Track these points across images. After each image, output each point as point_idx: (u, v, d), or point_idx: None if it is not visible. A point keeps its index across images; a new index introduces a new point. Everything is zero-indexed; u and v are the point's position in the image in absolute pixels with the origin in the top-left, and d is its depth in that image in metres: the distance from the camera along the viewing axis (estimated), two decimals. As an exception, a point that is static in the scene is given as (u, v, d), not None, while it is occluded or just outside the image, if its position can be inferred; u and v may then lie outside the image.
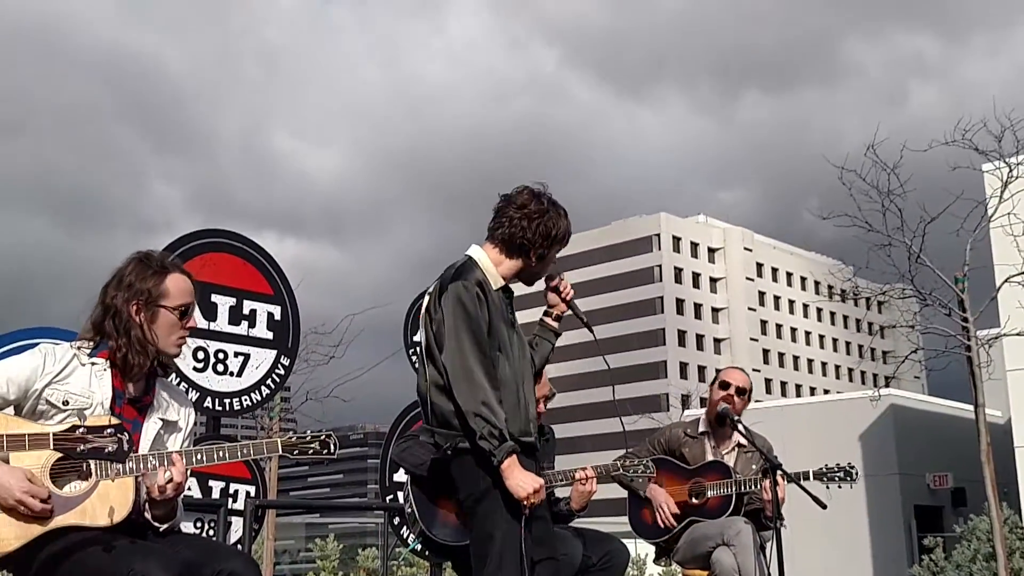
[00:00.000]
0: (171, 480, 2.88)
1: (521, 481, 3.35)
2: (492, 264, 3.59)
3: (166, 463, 2.90)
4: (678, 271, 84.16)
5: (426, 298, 3.58)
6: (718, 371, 5.32)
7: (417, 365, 3.64)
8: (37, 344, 3.07)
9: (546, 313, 3.87)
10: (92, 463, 2.75)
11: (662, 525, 4.99)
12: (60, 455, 2.68)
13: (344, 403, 16.83)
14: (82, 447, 2.46)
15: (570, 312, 3.86)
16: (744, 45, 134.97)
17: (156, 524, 2.99)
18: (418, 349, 3.60)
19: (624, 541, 4.43)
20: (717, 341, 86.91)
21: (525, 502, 3.34)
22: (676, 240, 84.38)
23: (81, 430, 2.47)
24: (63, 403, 2.91)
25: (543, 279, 3.76)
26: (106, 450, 2.47)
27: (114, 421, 2.57)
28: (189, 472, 3.01)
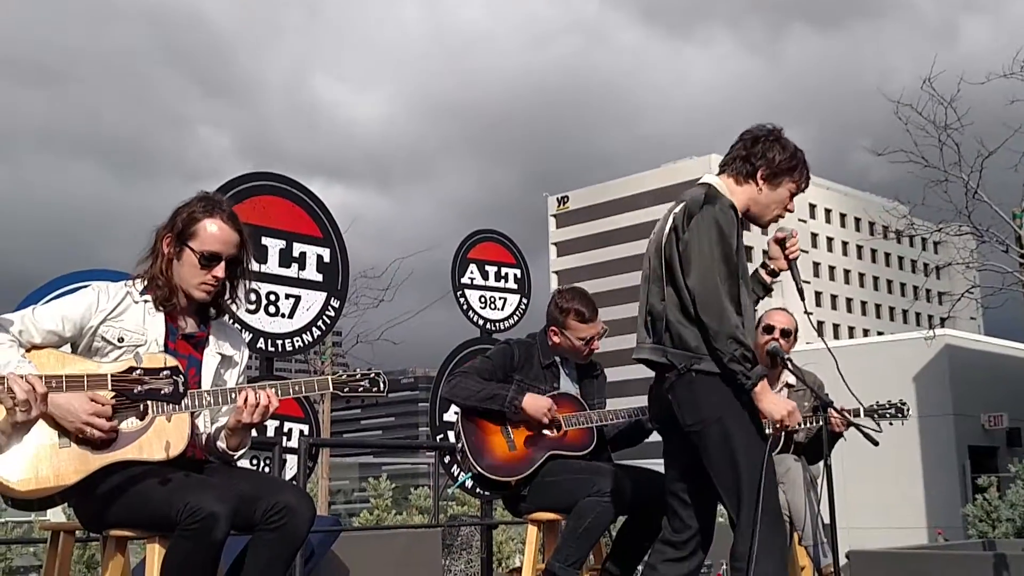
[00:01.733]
0: (256, 403, 2.95)
1: (775, 402, 3.35)
2: (728, 192, 3.54)
3: (253, 392, 2.96)
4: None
5: (670, 219, 3.49)
6: (761, 315, 5.26)
7: (646, 284, 3.55)
8: (90, 285, 3.13)
9: (763, 265, 3.80)
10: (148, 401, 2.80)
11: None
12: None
13: (394, 346, 17.04)
14: (139, 388, 2.50)
15: (787, 270, 3.78)
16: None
17: (230, 453, 3.06)
18: (650, 268, 3.52)
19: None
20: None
21: (779, 423, 3.34)
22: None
23: (138, 372, 2.51)
24: (118, 340, 2.97)
25: (772, 230, 3.68)
26: (162, 391, 2.51)
27: (170, 362, 2.61)
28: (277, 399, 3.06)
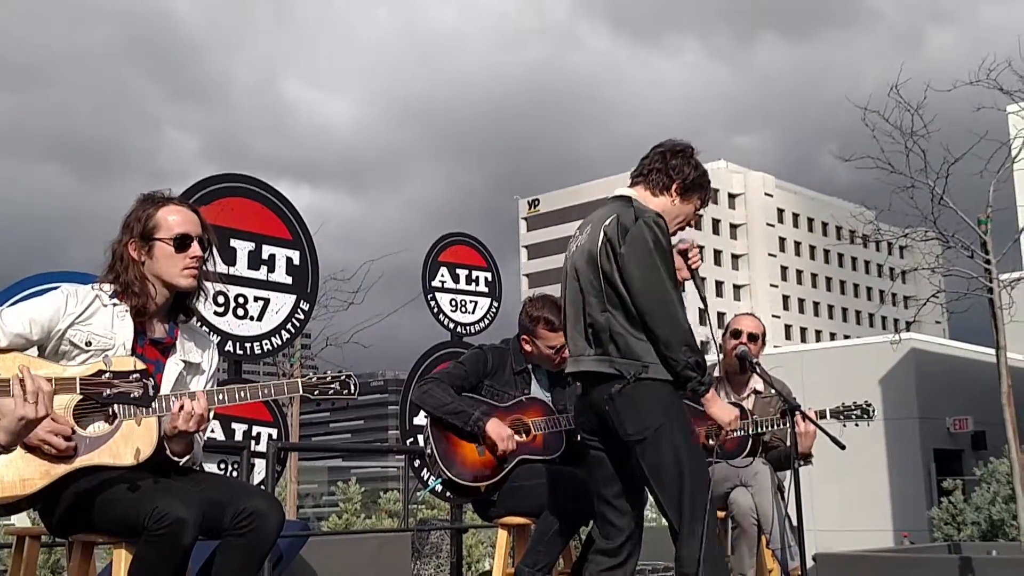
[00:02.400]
0: (191, 413, 2.90)
1: (724, 408, 3.60)
2: (639, 201, 3.64)
3: (186, 399, 2.92)
4: (698, 217, 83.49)
5: (601, 232, 3.54)
6: (728, 321, 5.31)
7: (578, 297, 3.60)
8: (59, 287, 3.10)
9: None
10: (117, 405, 2.78)
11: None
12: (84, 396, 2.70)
13: (364, 349, 16.93)
14: (108, 392, 2.48)
15: (690, 280, 3.84)
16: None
17: (174, 459, 3.02)
18: (583, 281, 3.57)
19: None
20: (737, 288, 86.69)
21: (729, 427, 3.61)
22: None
23: (107, 375, 2.49)
24: (86, 344, 2.94)
25: (678, 250, 3.74)
26: (131, 395, 2.49)
27: (139, 366, 2.58)
28: (212, 413, 3.04)
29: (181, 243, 3.07)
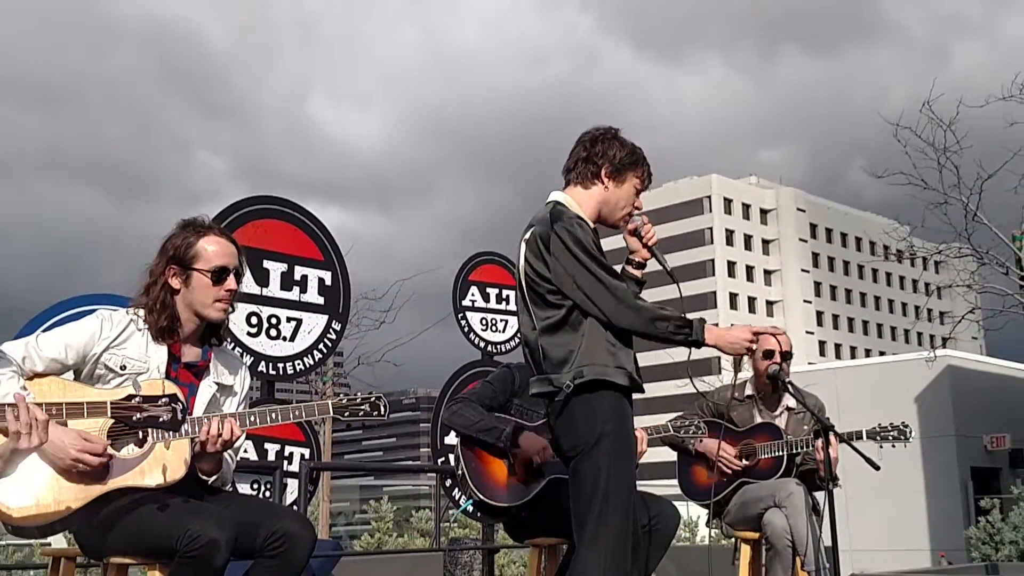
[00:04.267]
0: (219, 434, 2.92)
1: (733, 335, 3.40)
2: (576, 204, 3.51)
3: (216, 422, 2.95)
4: (729, 233, 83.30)
5: (522, 246, 3.47)
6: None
7: (520, 316, 3.55)
8: (94, 311, 3.14)
9: (627, 261, 3.72)
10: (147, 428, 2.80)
11: (729, 471, 4.95)
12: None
13: (395, 367, 17.01)
14: (138, 416, 2.51)
15: (652, 259, 3.68)
16: (781, 4, 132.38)
17: (203, 478, 3.04)
18: (517, 300, 3.53)
19: (674, 503, 4.43)
20: (770, 304, 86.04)
21: (752, 346, 3.40)
22: (727, 202, 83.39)
23: (137, 399, 2.52)
24: (120, 367, 2.98)
25: (624, 223, 3.61)
26: (160, 419, 2.52)
27: (169, 390, 2.61)
28: (244, 434, 3.06)
29: (218, 276, 3.10)
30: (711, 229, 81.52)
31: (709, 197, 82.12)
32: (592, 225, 3.49)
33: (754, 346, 3.42)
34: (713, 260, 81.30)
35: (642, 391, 3.52)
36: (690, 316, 3.38)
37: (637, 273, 3.67)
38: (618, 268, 3.60)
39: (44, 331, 3.04)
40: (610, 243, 3.86)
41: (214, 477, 3.05)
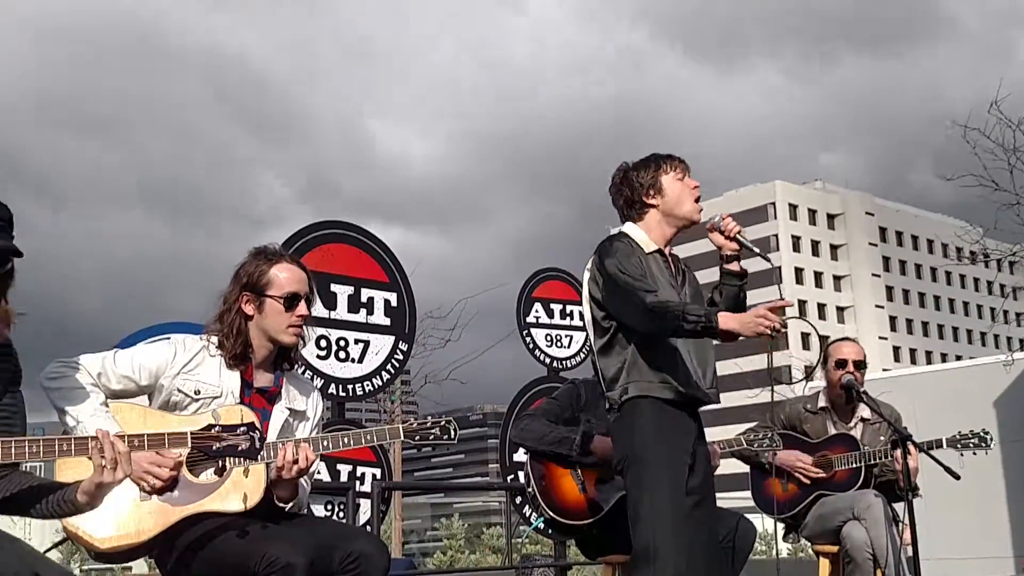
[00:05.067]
0: (294, 461, 2.96)
1: (743, 320, 3.29)
2: (639, 230, 3.62)
3: (291, 448, 2.99)
4: (796, 239, 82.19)
5: (585, 275, 3.62)
6: (827, 347, 5.14)
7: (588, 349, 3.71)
8: (170, 337, 3.22)
9: (720, 260, 3.74)
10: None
11: (807, 479, 4.87)
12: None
13: (462, 385, 17.09)
14: (217, 445, 2.56)
15: (742, 249, 3.66)
16: (833, 5, 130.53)
17: (280, 504, 3.08)
18: (588, 335, 3.65)
19: (747, 516, 4.37)
20: (840, 310, 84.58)
21: (764, 322, 3.24)
22: (792, 208, 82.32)
23: (216, 429, 2.57)
24: (195, 392, 3.04)
25: (705, 227, 3.66)
26: (239, 448, 2.57)
27: (246, 418, 2.66)
28: (318, 457, 3.10)
29: (290, 302, 3.16)
30: (777, 236, 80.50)
31: (773, 203, 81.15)
32: (655, 247, 3.59)
33: (767, 321, 3.26)
34: (780, 267, 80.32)
35: (703, 403, 3.53)
36: (706, 310, 3.38)
37: (734, 267, 3.70)
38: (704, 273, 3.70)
39: (121, 350, 3.12)
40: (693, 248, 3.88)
41: (291, 504, 3.10)
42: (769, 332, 3.28)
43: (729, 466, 5.15)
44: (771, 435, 4.74)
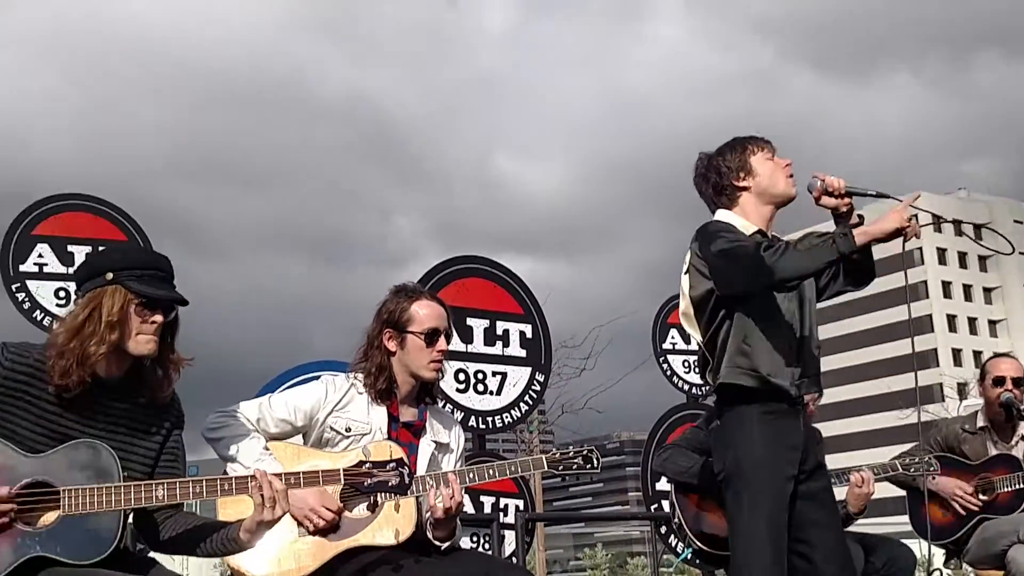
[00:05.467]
0: (452, 498, 3.01)
1: (882, 222, 3.08)
2: (734, 215, 3.41)
3: (441, 483, 3.05)
4: (941, 252, 78.95)
5: (685, 264, 3.43)
6: (984, 363, 4.92)
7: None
8: (319, 376, 3.34)
9: (837, 221, 3.29)
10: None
11: (964, 512, 4.66)
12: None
13: (598, 414, 17.04)
14: (368, 481, 2.63)
15: (856, 196, 3.34)
16: (970, 10, 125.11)
17: (438, 543, 3.13)
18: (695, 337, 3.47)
19: (905, 543, 4.21)
20: (992, 323, 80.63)
21: (905, 220, 3.08)
22: (937, 219, 79.24)
23: (367, 465, 2.64)
24: (346, 430, 3.14)
25: (811, 195, 3.34)
26: (390, 483, 2.63)
27: (396, 454, 2.73)
28: (463, 490, 3.15)
29: (430, 337, 3.23)
30: (921, 249, 77.48)
31: (916, 216, 78.20)
32: (755, 229, 3.37)
33: (906, 220, 3.09)
34: (926, 281, 77.17)
35: (802, 392, 3.29)
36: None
37: (854, 218, 3.32)
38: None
39: (275, 394, 3.26)
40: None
41: (447, 543, 3.15)
42: (910, 229, 3.10)
43: (884, 490, 4.97)
44: (928, 458, 4.56)
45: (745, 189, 3.42)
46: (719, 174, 3.44)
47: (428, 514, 3.08)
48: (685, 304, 3.42)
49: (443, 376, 3.36)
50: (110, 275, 2.57)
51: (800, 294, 3.38)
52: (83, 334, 2.52)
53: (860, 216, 3.32)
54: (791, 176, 3.44)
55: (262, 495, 2.54)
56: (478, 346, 6.02)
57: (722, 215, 3.44)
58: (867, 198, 3.35)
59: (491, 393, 6.04)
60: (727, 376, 3.22)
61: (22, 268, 5.62)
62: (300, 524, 2.95)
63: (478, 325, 6.05)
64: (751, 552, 3.13)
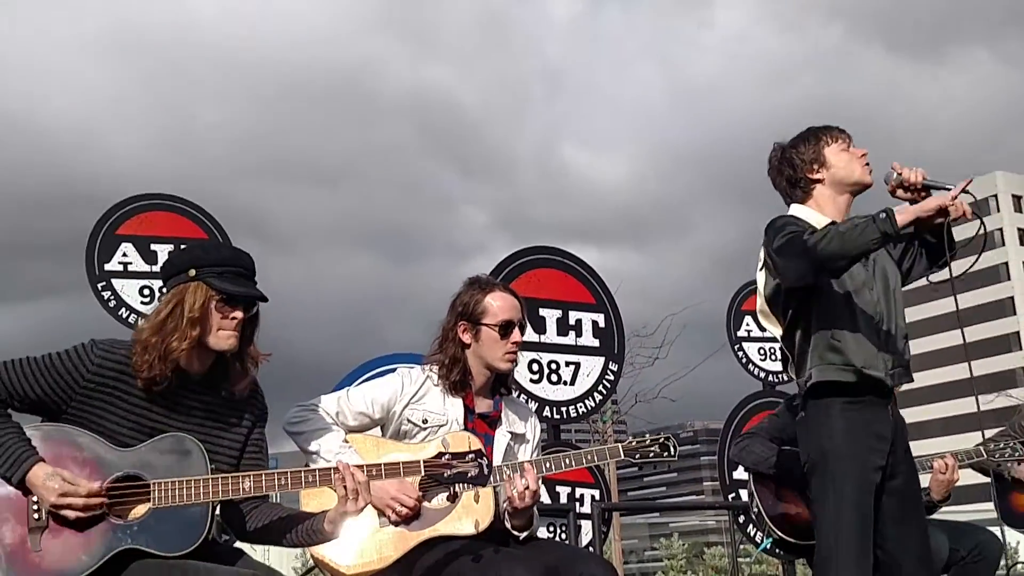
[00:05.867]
0: (527, 487, 3.03)
1: (926, 204, 2.99)
2: (809, 210, 3.35)
3: (519, 472, 3.06)
4: (1022, 232, 76.63)
5: (759, 266, 3.39)
6: None
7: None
8: (395, 369, 3.38)
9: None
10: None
11: None
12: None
13: (672, 403, 16.93)
14: (448, 472, 2.66)
15: (933, 190, 3.20)
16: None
17: (516, 533, 3.15)
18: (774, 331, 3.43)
19: (991, 530, 4.12)
20: (1077, 304, 78.08)
21: (948, 200, 2.96)
22: (1017, 199, 76.85)
23: (447, 456, 2.67)
24: (423, 421, 3.18)
25: (889, 191, 3.28)
26: (468, 475, 2.66)
27: (474, 446, 2.75)
28: (540, 480, 3.16)
29: (505, 329, 3.25)
30: (1001, 230, 75.29)
31: (996, 196, 76.03)
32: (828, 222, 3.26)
33: (950, 200, 2.99)
34: (1007, 263, 74.98)
35: (896, 382, 3.23)
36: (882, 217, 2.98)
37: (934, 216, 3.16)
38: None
39: (352, 388, 3.31)
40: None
41: (526, 532, 3.17)
42: (950, 204, 2.99)
43: (968, 476, 4.86)
44: (1013, 444, 4.45)
45: (819, 181, 3.37)
46: (793, 167, 3.40)
47: (506, 504, 3.10)
48: (761, 302, 3.39)
49: (517, 367, 3.37)
50: (192, 272, 2.63)
51: (885, 281, 3.32)
52: (165, 330, 2.58)
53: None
54: (867, 164, 3.37)
55: (345, 487, 2.59)
56: (551, 336, 6.03)
57: (796, 210, 3.39)
58: (944, 187, 3.17)
59: (565, 383, 6.05)
60: (821, 375, 3.16)
61: (107, 267, 5.80)
62: (382, 514, 2.99)
63: (551, 315, 6.06)
64: (837, 543, 3.09)
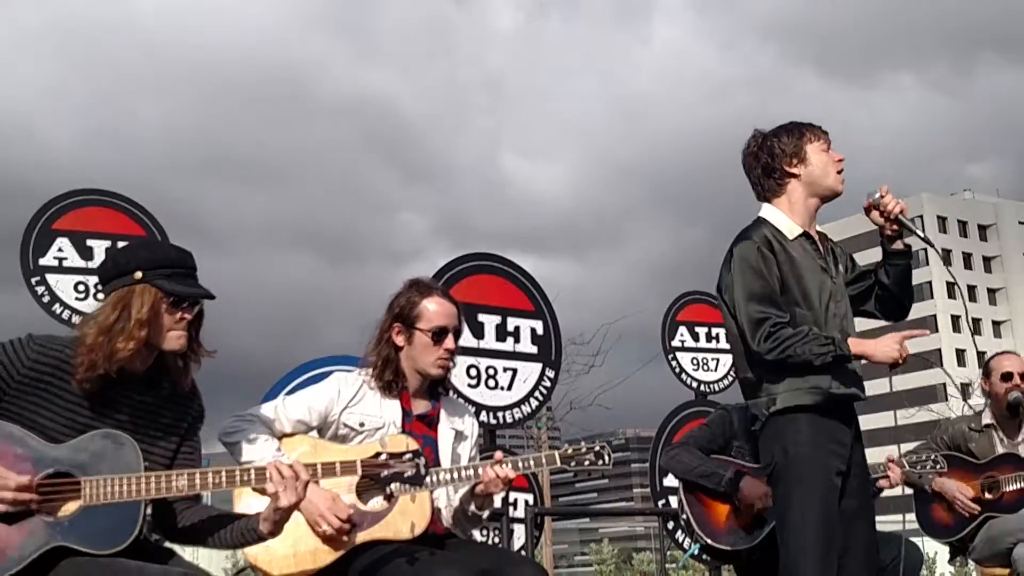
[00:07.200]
0: (506, 476, 3.09)
1: (879, 345, 3.16)
2: (780, 213, 3.39)
3: (464, 475, 3.10)
4: (946, 252, 78.82)
5: (721, 279, 3.44)
6: (988, 361, 4.95)
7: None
8: (331, 372, 3.38)
9: (883, 240, 3.46)
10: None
11: (966, 515, 4.69)
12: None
13: (605, 410, 17.08)
14: (384, 472, 2.67)
15: (904, 229, 3.41)
16: (972, 14, 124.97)
17: (479, 513, 3.21)
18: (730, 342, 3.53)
19: (912, 540, 4.24)
20: (996, 324, 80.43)
21: (900, 352, 3.14)
22: (942, 220, 79.00)
23: (383, 456, 2.68)
24: (359, 425, 3.19)
25: (864, 207, 3.41)
26: (405, 475, 2.67)
27: (412, 446, 2.77)
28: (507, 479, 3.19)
29: (438, 336, 3.26)
30: (925, 250, 77.20)
31: (921, 216, 78.09)
32: (800, 231, 3.37)
33: (901, 352, 3.18)
34: (931, 282, 77.00)
35: (855, 399, 3.33)
36: (832, 338, 3.22)
37: (898, 245, 3.44)
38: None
39: (288, 394, 3.30)
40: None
41: (487, 511, 3.24)
42: (901, 361, 3.19)
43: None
44: (934, 458, 4.59)
45: (795, 176, 3.40)
46: (771, 155, 3.41)
47: (481, 487, 3.12)
48: (730, 323, 3.43)
49: (450, 372, 3.38)
50: (139, 274, 2.60)
51: (845, 300, 3.42)
52: (112, 331, 2.55)
53: (907, 246, 3.41)
54: (841, 172, 3.43)
55: (272, 482, 2.57)
56: (489, 342, 6.06)
57: (767, 212, 3.42)
58: (915, 232, 3.43)
59: (502, 388, 6.08)
60: (789, 400, 3.23)
61: (42, 262, 5.67)
62: (312, 527, 2.99)
63: (489, 321, 6.08)
64: (804, 545, 3.16)
